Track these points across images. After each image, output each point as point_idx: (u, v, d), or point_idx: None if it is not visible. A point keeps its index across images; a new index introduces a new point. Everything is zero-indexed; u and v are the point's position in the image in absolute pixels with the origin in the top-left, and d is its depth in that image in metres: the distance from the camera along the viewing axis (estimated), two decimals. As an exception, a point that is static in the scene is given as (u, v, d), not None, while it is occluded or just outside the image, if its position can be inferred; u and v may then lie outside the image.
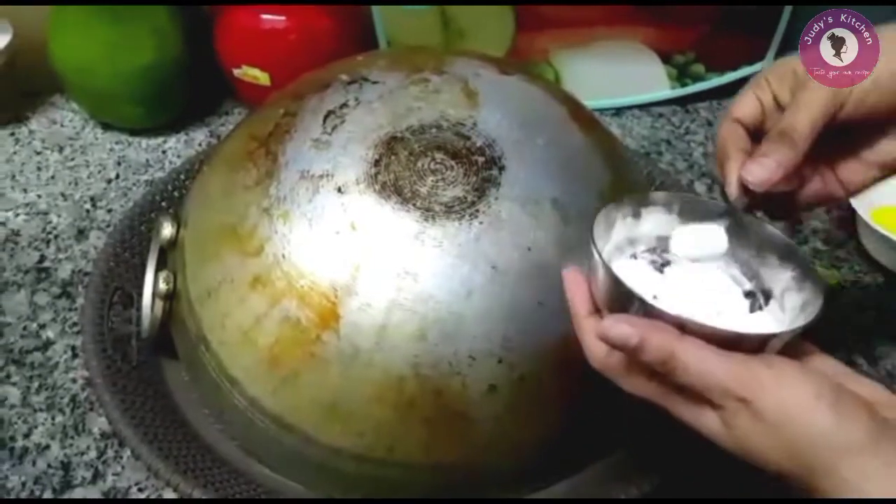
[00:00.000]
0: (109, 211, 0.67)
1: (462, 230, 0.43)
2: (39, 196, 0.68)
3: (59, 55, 0.70)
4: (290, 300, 0.43)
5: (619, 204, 0.41)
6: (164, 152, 0.73)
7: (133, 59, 0.69)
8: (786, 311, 0.38)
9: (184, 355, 0.50)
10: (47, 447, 0.50)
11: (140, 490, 0.48)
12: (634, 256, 0.42)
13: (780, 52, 0.78)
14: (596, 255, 0.37)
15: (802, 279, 0.38)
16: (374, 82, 0.48)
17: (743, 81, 0.78)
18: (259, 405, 0.45)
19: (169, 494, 0.48)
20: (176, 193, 0.59)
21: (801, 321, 0.36)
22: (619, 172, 0.50)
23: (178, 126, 0.76)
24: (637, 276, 0.39)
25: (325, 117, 0.47)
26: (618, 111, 0.79)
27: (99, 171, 0.71)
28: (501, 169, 0.45)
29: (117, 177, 0.70)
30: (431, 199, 0.43)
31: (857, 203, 0.63)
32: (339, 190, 0.44)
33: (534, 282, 0.43)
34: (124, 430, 0.46)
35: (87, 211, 0.67)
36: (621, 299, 0.36)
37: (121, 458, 0.49)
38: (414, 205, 0.43)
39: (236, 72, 0.72)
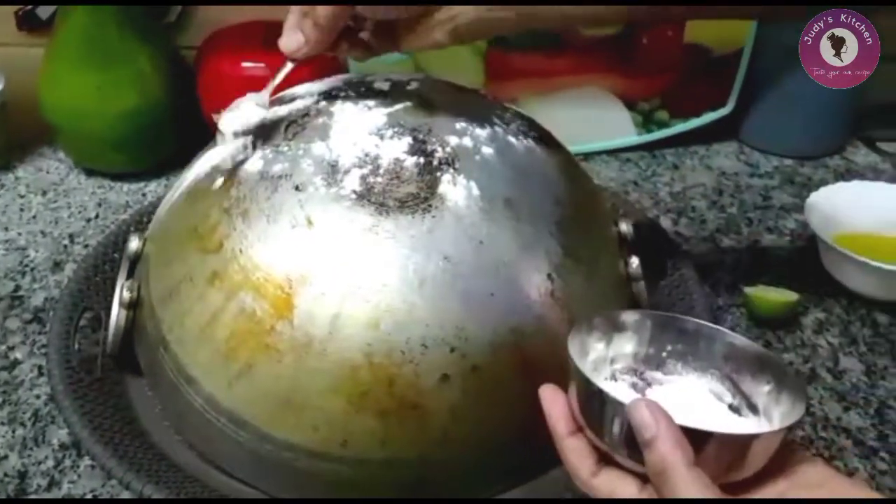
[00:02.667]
0: (86, 246, 0.68)
1: (415, 223, 0.44)
2: (19, 234, 0.70)
3: (49, 100, 0.73)
4: (246, 293, 0.44)
5: (591, 324, 0.42)
6: (143, 195, 0.75)
7: (118, 102, 0.72)
8: (773, 420, 0.39)
9: (144, 363, 0.51)
10: (5, 457, 0.49)
11: (95, 497, 0.47)
12: (614, 378, 0.43)
13: (741, 99, 0.81)
14: (576, 371, 0.38)
15: (783, 386, 0.39)
16: (335, 96, 0.51)
17: (706, 128, 0.82)
18: (214, 402, 0.45)
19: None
20: (149, 222, 0.60)
21: (791, 420, 0.37)
22: (573, 180, 0.51)
23: (159, 172, 0.78)
24: (619, 396, 0.38)
25: (287, 126, 0.49)
26: (586, 156, 0.81)
27: (80, 212, 0.73)
28: (456, 170, 0.46)
29: (97, 216, 0.72)
30: (386, 195, 0.45)
31: (819, 230, 0.64)
32: (297, 188, 0.45)
33: (486, 274, 0.44)
34: (80, 431, 0.46)
35: (65, 246, 0.68)
36: (607, 414, 0.36)
37: (77, 467, 0.49)
38: (369, 200, 0.44)
39: (216, 117, 0.75)
